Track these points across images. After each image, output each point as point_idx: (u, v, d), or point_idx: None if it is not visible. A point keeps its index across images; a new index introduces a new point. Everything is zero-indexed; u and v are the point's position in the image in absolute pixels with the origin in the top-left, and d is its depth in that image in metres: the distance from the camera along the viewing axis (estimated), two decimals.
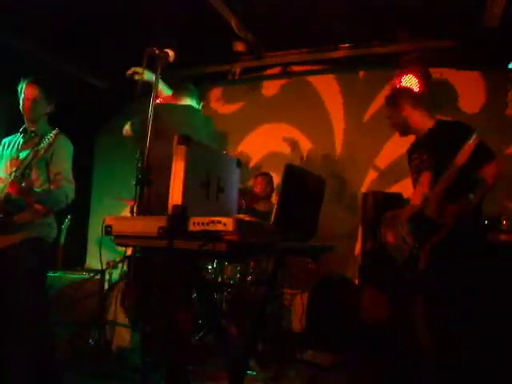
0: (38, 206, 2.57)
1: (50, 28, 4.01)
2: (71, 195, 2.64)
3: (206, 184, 1.49)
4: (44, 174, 2.61)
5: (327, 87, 4.86)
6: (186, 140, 1.43)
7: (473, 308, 2.38)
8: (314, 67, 4.84)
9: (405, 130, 2.70)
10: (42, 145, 2.48)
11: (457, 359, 2.35)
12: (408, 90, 2.77)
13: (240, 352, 1.75)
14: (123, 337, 3.55)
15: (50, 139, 2.47)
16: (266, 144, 5.06)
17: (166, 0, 3.64)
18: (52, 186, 2.63)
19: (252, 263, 3.71)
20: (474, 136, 2.29)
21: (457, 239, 2.36)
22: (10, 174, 2.51)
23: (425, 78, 4.11)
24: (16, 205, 2.51)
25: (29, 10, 3.70)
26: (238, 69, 4.86)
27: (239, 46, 4.37)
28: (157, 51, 1.97)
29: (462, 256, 2.38)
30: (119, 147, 3.99)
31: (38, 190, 2.58)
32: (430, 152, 2.53)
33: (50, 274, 3.40)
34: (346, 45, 4.35)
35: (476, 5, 3.47)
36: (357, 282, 4.02)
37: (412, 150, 2.75)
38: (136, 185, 1.95)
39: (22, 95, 2.76)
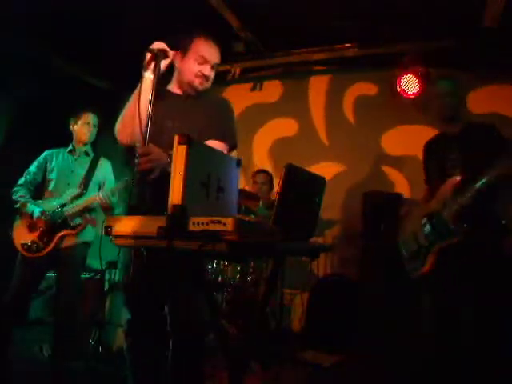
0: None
1: (50, 28, 4.01)
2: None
3: (206, 184, 1.49)
4: (95, 193, 3.14)
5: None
6: (186, 140, 1.42)
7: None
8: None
9: (451, 119, 2.60)
10: (97, 170, 3.26)
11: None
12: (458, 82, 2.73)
13: (240, 352, 1.75)
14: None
15: (106, 166, 3.33)
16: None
17: (166, 0, 3.65)
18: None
19: (252, 263, 3.71)
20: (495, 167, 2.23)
21: (470, 247, 2.33)
22: (76, 187, 3.15)
23: (425, 78, 4.12)
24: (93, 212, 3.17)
25: (28, 9, 3.70)
26: (237, 69, 4.86)
27: (239, 46, 4.37)
28: (156, 50, 1.95)
29: (472, 263, 2.36)
30: (119, 147, 3.98)
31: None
32: (462, 154, 2.47)
33: (50, 273, 3.41)
34: (346, 44, 4.35)
35: (476, 5, 3.47)
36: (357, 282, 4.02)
37: (435, 144, 2.70)
38: (135, 184, 1.95)
39: (85, 121, 3.35)
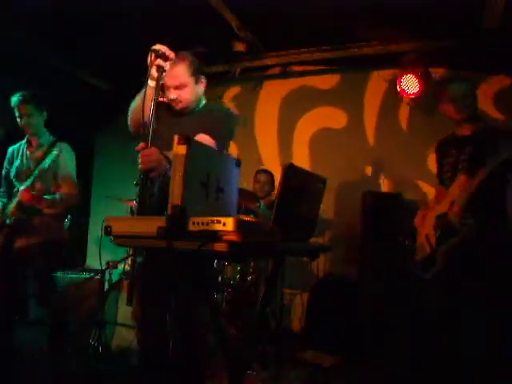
0: (49, 210, 2.97)
1: (50, 27, 4.01)
2: (76, 199, 3.09)
3: (206, 184, 1.49)
4: (50, 183, 2.98)
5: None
6: (186, 140, 1.43)
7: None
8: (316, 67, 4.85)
9: (468, 118, 2.61)
10: (48, 158, 2.89)
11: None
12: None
13: (240, 352, 1.75)
14: (123, 337, 3.55)
15: (55, 153, 2.89)
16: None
17: (166, 0, 3.64)
18: (61, 190, 3.02)
19: (252, 263, 3.72)
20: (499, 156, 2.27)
21: (477, 244, 2.37)
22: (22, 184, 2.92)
23: (425, 78, 4.12)
24: (28, 211, 2.90)
25: (29, 9, 3.70)
26: (237, 69, 4.86)
27: (239, 46, 4.37)
28: (159, 52, 1.96)
29: (481, 260, 2.38)
30: (119, 147, 4.00)
31: (47, 196, 2.96)
32: (469, 154, 2.49)
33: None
34: (346, 45, 4.35)
35: (476, 5, 3.47)
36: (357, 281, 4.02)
37: (447, 144, 2.71)
38: (136, 185, 1.96)
39: (17, 113, 3.03)
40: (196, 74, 2.20)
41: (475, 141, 2.52)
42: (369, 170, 4.59)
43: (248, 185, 4.27)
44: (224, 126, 2.22)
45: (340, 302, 3.86)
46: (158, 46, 1.95)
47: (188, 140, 1.43)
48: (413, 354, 2.84)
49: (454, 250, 2.41)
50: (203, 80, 2.26)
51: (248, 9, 3.79)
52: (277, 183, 4.29)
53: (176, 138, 1.44)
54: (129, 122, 2.18)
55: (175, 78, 2.15)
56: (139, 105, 1.96)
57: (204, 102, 2.32)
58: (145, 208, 1.90)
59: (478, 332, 2.35)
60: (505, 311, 2.38)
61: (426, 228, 2.62)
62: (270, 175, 4.32)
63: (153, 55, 1.94)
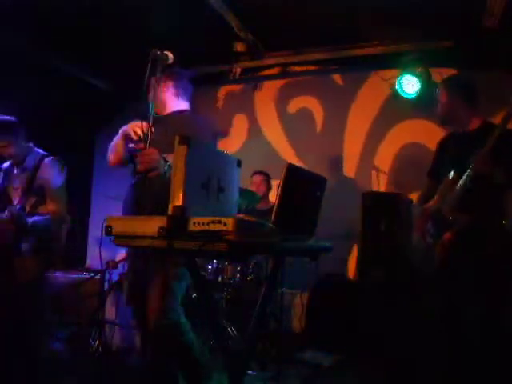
0: None
1: (50, 28, 4.01)
2: (60, 222, 2.88)
3: (207, 184, 1.49)
4: (42, 198, 2.79)
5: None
6: (186, 140, 1.43)
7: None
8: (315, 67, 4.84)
9: (447, 120, 2.65)
10: (31, 175, 2.74)
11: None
12: (460, 82, 2.68)
13: (240, 352, 1.75)
14: (123, 337, 3.55)
15: (35, 168, 2.76)
16: None
17: (166, 0, 3.65)
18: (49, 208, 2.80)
19: (252, 263, 3.72)
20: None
21: (472, 237, 2.37)
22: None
23: (425, 78, 4.12)
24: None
25: (29, 9, 3.70)
26: (237, 69, 4.86)
27: (239, 46, 4.37)
28: (158, 52, 1.97)
29: (479, 254, 2.37)
30: None
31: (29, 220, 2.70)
32: (467, 151, 2.46)
33: (50, 273, 3.40)
34: (346, 45, 4.35)
35: (476, 5, 3.47)
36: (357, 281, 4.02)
37: (448, 141, 2.71)
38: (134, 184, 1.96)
39: None
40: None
41: (474, 139, 2.50)
42: None
43: None
44: (206, 128, 2.27)
45: (340, 302, 3.86)
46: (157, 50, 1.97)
47: (188, 140, 1.43)
48: (413, 354, 2.85)
49: (451, 245, 2.41)
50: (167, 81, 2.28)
51: (248, 9, 3.79)
52: None
53: (177, 137, 1.44)
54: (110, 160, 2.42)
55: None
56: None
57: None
58: (143, 208, 1.91)
59: (477, 331, 2.35)
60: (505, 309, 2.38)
61: (420, 227, 2.63)
62: (266, 175, 4.39)
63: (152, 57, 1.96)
